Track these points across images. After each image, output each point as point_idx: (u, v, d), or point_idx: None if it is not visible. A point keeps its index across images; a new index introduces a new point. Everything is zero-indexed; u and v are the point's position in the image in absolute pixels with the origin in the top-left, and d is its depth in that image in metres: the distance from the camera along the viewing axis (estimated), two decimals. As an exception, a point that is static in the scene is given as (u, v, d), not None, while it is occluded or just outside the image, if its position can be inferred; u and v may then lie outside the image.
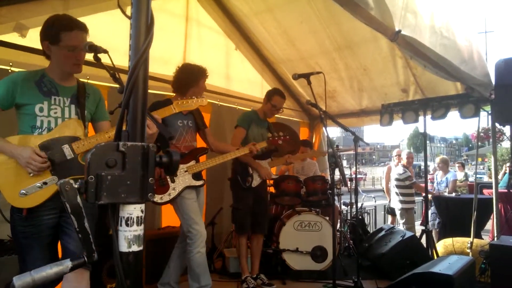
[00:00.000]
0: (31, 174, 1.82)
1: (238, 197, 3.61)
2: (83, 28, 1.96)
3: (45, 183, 1.83)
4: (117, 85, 1.73)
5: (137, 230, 0.71)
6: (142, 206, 0.72)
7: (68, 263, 0.66)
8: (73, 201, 0.66)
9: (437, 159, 7.01)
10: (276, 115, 5.48)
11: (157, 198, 2.85)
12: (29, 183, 1.80)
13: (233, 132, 3.67)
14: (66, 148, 1.92)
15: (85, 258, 0.68)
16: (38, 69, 2.03)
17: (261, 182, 3.63)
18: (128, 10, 0.83)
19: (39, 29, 1.98)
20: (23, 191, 1.77)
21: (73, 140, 1.94)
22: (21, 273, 0.65)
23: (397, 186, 5.67)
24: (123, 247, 0.69)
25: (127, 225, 0.70)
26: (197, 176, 3.02)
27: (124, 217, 0.70)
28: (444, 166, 6.68)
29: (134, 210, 0.71)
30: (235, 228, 3.83)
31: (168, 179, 2.89)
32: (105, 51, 1.75)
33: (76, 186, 0.66)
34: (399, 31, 2.50)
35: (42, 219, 1.88)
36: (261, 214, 3.69)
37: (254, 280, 3.69)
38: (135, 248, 0.70)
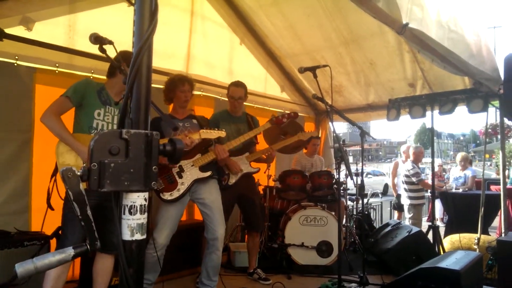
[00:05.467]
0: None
1: None
2: None
3: None
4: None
5: (141, 218, 0.70)
6: (146, 194, 0.71)
7: (70, 251, 0.66)
8: (75, 188, 0.65)
9: (459, 156, 7.06)
10: (279, 110, 5.50)
11: (167, 196, 2.82)
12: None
13: None
14: None
15: (88, 246, 0.67)
16: (99, 82, 2.47)
17: (242, 180, 3.41)
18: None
19: (45, 22, 2.00)
20: None
21: None
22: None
23: (406, 182, 5.62)
24: (126, 235, 0.69)
25: (130, 213, 0.69)
26: (204, 168, 3.01)
27: (127, 205, 0.70)
28: (465, 162, 6.69)
29: (138, 199, 0.70)
30: None
31: (176, 175, 2.89)
32: (111, 42, 1.76)
33: (78, 173, 0.65)
34: (407, 24, 2.47)
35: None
36: (250, 213, 3.59)
37: (251, 275, 3.68)
38: (138, 236, 0.69)
